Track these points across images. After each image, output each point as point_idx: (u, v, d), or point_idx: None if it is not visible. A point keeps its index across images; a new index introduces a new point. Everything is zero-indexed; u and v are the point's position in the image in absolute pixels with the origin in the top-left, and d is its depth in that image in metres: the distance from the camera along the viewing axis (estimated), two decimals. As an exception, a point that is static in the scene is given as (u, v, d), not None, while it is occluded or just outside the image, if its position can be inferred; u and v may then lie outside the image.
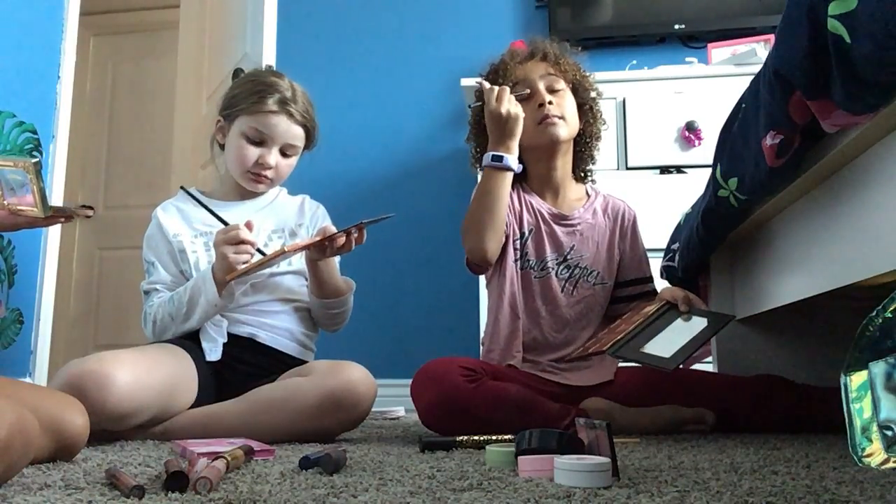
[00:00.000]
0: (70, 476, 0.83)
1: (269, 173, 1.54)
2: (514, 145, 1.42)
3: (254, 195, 1.60)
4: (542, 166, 1.56)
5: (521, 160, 1.56)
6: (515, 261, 1.51)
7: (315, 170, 1.74)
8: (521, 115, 1.41)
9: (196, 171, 2.57)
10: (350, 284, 1.54)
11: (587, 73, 1.59)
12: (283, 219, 1.59)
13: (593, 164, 1.64)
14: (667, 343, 1.27)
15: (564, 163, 1.57)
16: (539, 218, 1.54)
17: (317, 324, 1.57)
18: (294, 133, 1.54)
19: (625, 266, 1.58)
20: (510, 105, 1.40)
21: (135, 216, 3.61)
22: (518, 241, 1.52)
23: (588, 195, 1.61)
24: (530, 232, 1.53)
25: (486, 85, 1.45)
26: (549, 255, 1.52)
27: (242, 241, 1.36)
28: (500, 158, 1.41)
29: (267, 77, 1.58)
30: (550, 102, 1.49)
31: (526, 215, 1.54)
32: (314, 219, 1.63)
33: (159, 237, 1.53)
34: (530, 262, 1.52)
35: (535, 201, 1.56)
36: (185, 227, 1.53)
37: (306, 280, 1.54)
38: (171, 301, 1.44)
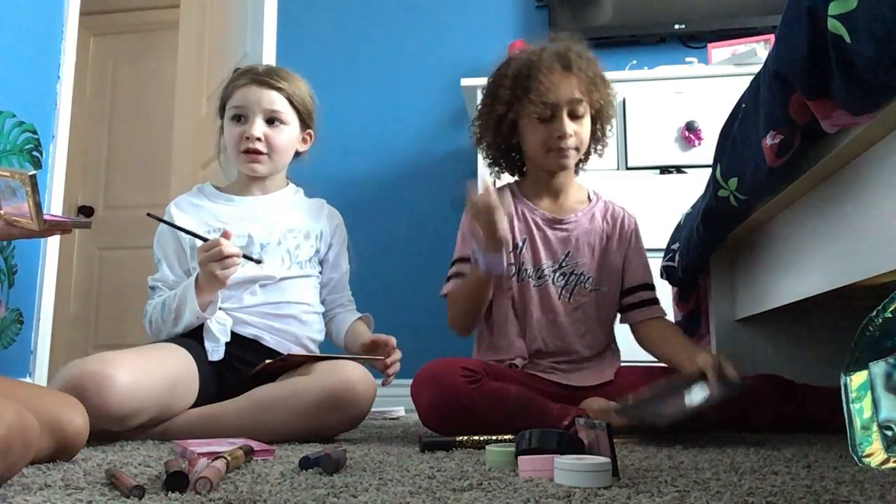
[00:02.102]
0: (70, 476, 0.83)
1: (259, 146, 1.53)
2: (504, 243, 1.33)
3: (267, 189, 1.60)
4: (545, 174, 1.54)
5: (522, 160, 1.56)
6: (512, 276, 1.49)
7: (315, 169, 1.74)
8: (504, 228, 1.31)
9: (196, 170, 2.57)
10: (369, 322, 1.64)
11: (604, 79, 1.51)
12: (299, 218, 1.59)
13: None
14: (670, 404, 1.22)
15: (567, 171, 1.55)
16: (533, 225, 1.52)
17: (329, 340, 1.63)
18: (270, 98, 1.54)
19: (626, 274, 1.55)
20: (498, 221, 1.29)
21: (135, 216, 3.61)
22: (512, 254, 1.49)
23: (590, 199, 1.59)
24: (524, 241, 1.51)
25: (476, 188, 1.33)
26: (544, 262, 1.50)
27: (226, 256, 1.35)
28: (495, 265, 1.34)
29: (246, 66, 1.64)
30: (571, 135, 1.44)
31: (518, 224, 1.52)
32: (335, 233, 1.64)
33: (168, 235, 1.54)
34: (528, 272, 1.50)
35: (528, 209, 1.53)
36: (198, 223, 1.52)
37: (315, 285, 1.59)
38: (162, 306, 1.45)
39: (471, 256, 1.39)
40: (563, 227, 1.53)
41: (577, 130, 1.46)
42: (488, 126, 1.53)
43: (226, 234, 1.37)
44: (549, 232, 1.52)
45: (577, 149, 1.48)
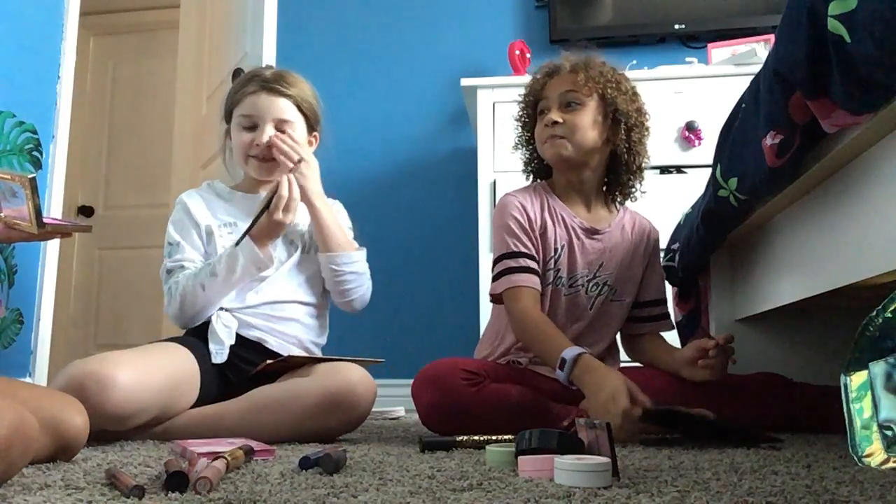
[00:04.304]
0: (70, 476, 0.83)
1: (269, 152, 1.52)
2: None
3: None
4: (572, 176, 1.52)
5: (547, 169, 1.57)
6: (548, 284, 1.47)
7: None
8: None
9: (196, 171, 2.57)
10: (357, 246, 1.57)
11: (620, 79, 1.49)
12: (302, 212, 1.58)
13: (640, 179, 1.54)
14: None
15: (594, 177, 1.52)
16: (572, 233, 1.50)
17: (335, 301, 1.58)
18: (279, 106, 1.53)
19: (644, 287, 1.55)
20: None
21: (135, 216, 3.61)
22: (552, 260, 1.48)
23: (616, 209, 1.58)
24: (562, 248, 1.49)
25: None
26: (580, 271, 1.49)
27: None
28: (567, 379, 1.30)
29: (254, 69, 1.63)
30: (555, 123, 1.46)
31: (558, 230, 1.49)
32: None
33: (187, 220, 1.53)
34: (562, 279, 1.48)
35: (567, 214, 1.51)
36: (210, 216, 1.53)
37: (320, 281, 1.58)
38: (201, 271, 1.44)
39: (560, 364, 1.29)
40: (599, 237, 1.51)
41: (569, 119, 1.46)
42: (522, 124, 1.59)
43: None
44: (587, 241, 1.50)
45: (567, 137, 1.45)
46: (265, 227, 1.44)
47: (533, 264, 1.45)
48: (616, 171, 1.53)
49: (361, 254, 1.57)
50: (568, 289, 1.49)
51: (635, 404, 1.20)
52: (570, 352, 1.29)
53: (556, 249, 1.49)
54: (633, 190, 1.55)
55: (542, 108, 1.51)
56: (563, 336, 1.37)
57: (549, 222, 1.50)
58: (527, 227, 1.48)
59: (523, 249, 1.46)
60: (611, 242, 1.52)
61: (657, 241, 1.59)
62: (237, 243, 1.43)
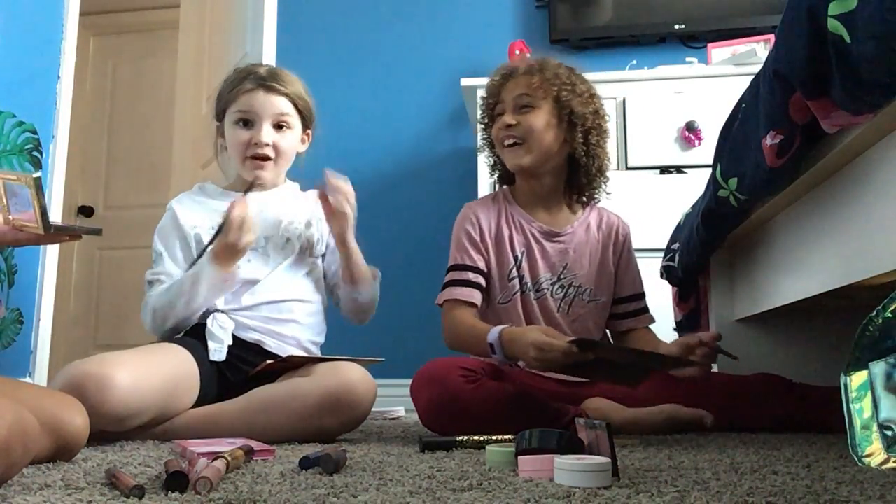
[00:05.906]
0: (70, 476, 0.83)
1: (267, 151, 1.53)
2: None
3: (266, 186, 1.59)
4: (532, 182, 1.53)
5: (510, 174, 1.56)
6: (515, 293, 1.48)
7: (315, 169, 1.74)
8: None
9: (196, 170, 2.57)
10: (375, 273, 1.60)
11: (575, 82, 1.48)
12: (298, 210, 1.58)
13: (602, 181, 1.53)
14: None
15: (554, 180, 1.52)
16: (531, 238, 1.51)
17: (345, 316, 1.60)
18: (277, 104, 1.53)
19: (619, 283, 1.55)
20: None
21: (135, 216, 3.61)
22: (514, 268, 1.49)
23: (582, 207, 1.57)
24: (522, 254, 1.50)
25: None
26: (542, 275, 1.49)
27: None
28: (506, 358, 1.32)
29: (244, 66, 1.62)
30: (509, 125, 1.46)
31: (516, 237, 1.51)
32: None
33: (172, 228, 1.53)
34: (527, 285, 1.49)
35: (525, 220, 1.52)
36: (204, 217, 1.52)
37: (318, 278, 1.60)
38: (168, 290, 1.44)
39: (490, 344, 1.32)
40: (560, 239, 1.51)
41: (522, 120, 1.46)
42: (483, 126, 1.58)
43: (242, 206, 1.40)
44: (547, 245, 1.51)
45: (524, 139, 1.45)
46: (219, 249, 1.40)
47: (477, 278, 1.47)
48: (576, 173, 1.52)
49: (378, 281, 1.62)
50: (535, 293, 1.49)
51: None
52: (493, 335, 1.31)
53: (515, 257, 1.50)
54: (595, 191, 1.55)
55: (499, 111, 1.51)
56: (485, 325, 1.38)
57: (506, 230, 1.51)
58: (477, 240, 1.50)
59: (469, 263, 1.48)
60: (573, 243, 1.52)
61: (628, 235, 1.58)
62: (197, 258, 1.42)
